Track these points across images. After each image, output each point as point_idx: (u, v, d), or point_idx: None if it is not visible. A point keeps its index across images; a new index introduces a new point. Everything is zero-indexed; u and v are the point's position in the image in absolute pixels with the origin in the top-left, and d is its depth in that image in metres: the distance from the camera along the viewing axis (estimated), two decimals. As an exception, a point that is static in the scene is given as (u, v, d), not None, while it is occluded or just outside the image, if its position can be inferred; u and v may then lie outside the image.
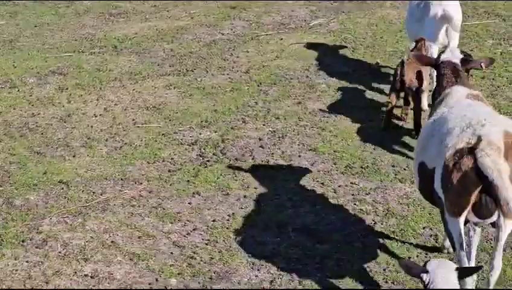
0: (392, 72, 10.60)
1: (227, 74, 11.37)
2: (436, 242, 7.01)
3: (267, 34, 13.25)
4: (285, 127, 9.51)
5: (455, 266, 5.07)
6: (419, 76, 9.08)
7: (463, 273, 5.11)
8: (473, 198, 5.54)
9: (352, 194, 7.91)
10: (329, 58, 11.91)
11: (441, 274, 4.91)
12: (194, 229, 7.42)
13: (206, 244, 7.18)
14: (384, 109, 9.62)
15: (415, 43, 9.71)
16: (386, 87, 10.25)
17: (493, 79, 10.52)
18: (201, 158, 8.83)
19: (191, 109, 10.13)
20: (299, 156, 8.78)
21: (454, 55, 6.69)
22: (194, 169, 8.57)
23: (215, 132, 9.45)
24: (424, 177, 6.12)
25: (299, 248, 7.05)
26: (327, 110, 9.91)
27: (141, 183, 8.32)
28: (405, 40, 12.06)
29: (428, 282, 4.89)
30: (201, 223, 7.52)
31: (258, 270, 6.76)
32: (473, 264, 6.06)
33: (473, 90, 6.50)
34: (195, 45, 12.76)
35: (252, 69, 11.53)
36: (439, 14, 9.55)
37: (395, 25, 13.25)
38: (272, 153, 8.86)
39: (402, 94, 9.44)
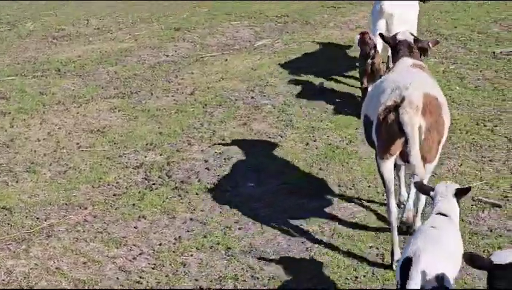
0: (336, 91, 10.74)
1: (172, 96, 11.34)
2: (383, 261, 7.01)
3: (211, 55, 13.27)
4: (231, 148, 9.48)
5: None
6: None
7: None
8: (398, 146, 6.66)
9: (300, 215, 7.88)
10: (275, 78, 11.93)
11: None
12: (140, 254, 7.34)
13: (153, 268, 7.10)
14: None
15: (359, 35, 10.69)
16: (330, 108, 10.37)
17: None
18: (146, 181, 8.77)
19: (136, 132, 10.08)
20: (246, 177, 8.74)
21: (407, 36, 7.76)
22: (139, 192, 8.50)
23: (161, 155, 9.40)
24: (366, 127, 7.21)
25: (246, 269, 7.01)
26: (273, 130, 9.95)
27: (86, 208, 8.23)
28: (347, 59, 12.16)
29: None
30: (148, 248, 7.44)
31: (205, 293, 6.74)
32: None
33: (418, 61, 7.56)
34: (139, 67, 12.73)
35: (197, 91, 11.51)
36: (378, 9, 10.75)
37: (338, 45, 13.34)
38: (218, 175, 8.82)
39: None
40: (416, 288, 5.11)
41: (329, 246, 7.31)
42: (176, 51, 13.56)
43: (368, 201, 8.11)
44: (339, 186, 8.46)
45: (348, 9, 15.61)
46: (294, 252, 7.24)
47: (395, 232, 6.87)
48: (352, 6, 15.81)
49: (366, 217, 7.79)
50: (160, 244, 7.48)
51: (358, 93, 10.95)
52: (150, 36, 14.40)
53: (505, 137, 9.42)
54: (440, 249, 5.37)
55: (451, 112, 9.47)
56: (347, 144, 9.49)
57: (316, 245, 7.33)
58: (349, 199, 8.16)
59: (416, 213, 7.26)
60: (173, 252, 7.34)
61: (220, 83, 11.83)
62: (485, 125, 9.78)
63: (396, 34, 7.93)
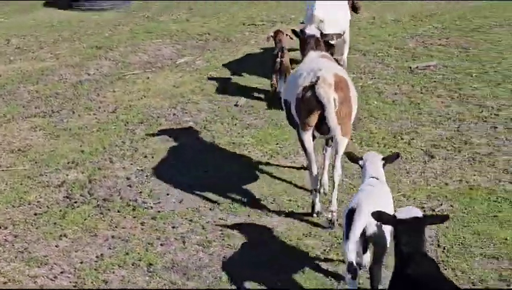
0: (257, 108, 10.83)
1: (94, 114, 11.27)
2: (303, 274, 7.07)
3: (133, 74, 13.23)
4: (153, 165, 9.47)
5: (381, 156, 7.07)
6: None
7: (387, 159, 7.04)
8: (315, 118, 7.77)
9: (220, 230, 7.91)
10: (196, 95, 11.97)
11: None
12: (61, 272, 7.23)
13: (74, 286, 7.02)
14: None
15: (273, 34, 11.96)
16: (250, 124, 10.44)
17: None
18: (68, 200, 8.68)
19: (58, 151, 9.98)
20: (168, 194, 8.74)
21: (315, 31, 8.94)
22: (60, 211, 8.40)
23: (82, 173, 9.32)
24: (287, 110, 8.35)
25: (168, 285, 6.99)
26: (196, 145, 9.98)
27: (6, 228, 8.09)
28: (268, 76, 12.27)
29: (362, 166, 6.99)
30: (69, 266, 7.35)
31: (127, 310, 6.71)
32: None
33: (324, 52, 8.81)
34: (61, 86, 12.61)
35: (119, 109, 11.47)
36: (310, 15, 11.32)
37: (259, 62, 13.43)
38: (140, 192, 8.79)
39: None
40: (360, 231, 6.07)
41: (252, 261, 7.34)
42: (97, 70, 13.48)
43: (289, 214, 8.17)
44: (260, 200, 8.51)
45: (268, 26, 15.73)
46: (216, 267, 7.25)
47: (317, 186, 8.20)
48: (272, 24, 15.96)
49: (287, 230, 7.85)
50: (81, 263, 7.40)
51: (279, 110, 11.08)
52: (71, 55, 14.27)
53: (421, 149, 9.63)
54: (377, 201, 6.28)
55: (370, 125, 9.71)
56: (268, 158, 9.57)
57: (237, 260, 7.36)
58: (269, 213, 8.21)
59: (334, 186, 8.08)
60: (95, 269, 7.27)
61: (142, 101, 11.81)
62: (402, 139, 9.97)
63: (305, 28, 9.03)
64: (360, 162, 6.99)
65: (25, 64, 13.86)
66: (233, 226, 7.98)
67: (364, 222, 6.09)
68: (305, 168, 8.85)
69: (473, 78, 12.24)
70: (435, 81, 12.17)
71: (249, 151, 9.77)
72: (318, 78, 7.70)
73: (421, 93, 11.67)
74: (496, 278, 6.87)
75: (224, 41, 15.23)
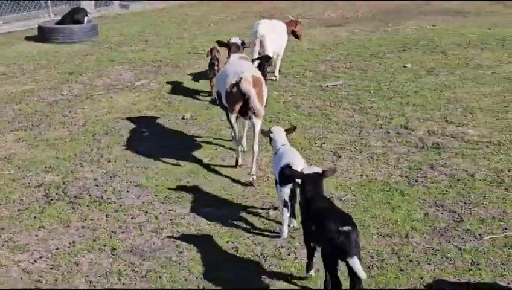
0: (200, 120, 10.80)
1: (67, 128, 11.12)
2: (237, 253, 7.08)
3: (99, 94, 13.09)
4: (116, 168, 9.38)
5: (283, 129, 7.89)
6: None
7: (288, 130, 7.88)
8: (238, 106, 8.83)
9: (171, 219, 7.88)
10: (150, 111, 11.91)
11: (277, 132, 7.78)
12: (40, 257, 7.11)
13: (51, 269, 6.90)
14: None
15: (208, 50, 12.64)
16: (195, 133, 10.41)
17: (277, 122, 10.83)
18: (46, 198, 8.53)
19: (37, 158, 9.82)
20: (127, 191, 8.66)
21: (238, 40, 10.11)
22: (40, 207, 8.26)
23: (57, 176, 9.18)
24: (219, 98, 9.24)
25: (128, 265, 6.93)
26: (151, 152, 9.92)
27: (-6, 222, 7.96)
28: (208, 94, 12.23)
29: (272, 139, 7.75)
30: (47, 252, 7.23)
31: (94, 286, 6.59)
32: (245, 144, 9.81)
33: (242, 55, 9.93)
34: (39, 105, 12.43)
35: (87, 123, 11.34)
36: (254, 30, 12.71)
37: (204, 83, 13.42)
38: (105, 190, 8.69)
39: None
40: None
41: (197, 244, 7.32)
42: (70, 91, 13.31)
43: (227, 207, 8.17)
44: (203, 195, 8.50)
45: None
46: (167, 250, 7.21)
47: (239, 148, 9.42)
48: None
49: (225, 217, 7.84)
50: (57, 249, 7.29)
51: (219, 121, 11.09)
52: (48, 79, 14.07)
53: (331, 151, 9.70)
54: (299, 156, 7.37)
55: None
56: (208, 160, 9.55)
57: (184, 243, 7.33)
58: (209, 206, 8.20)
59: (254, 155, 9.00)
60: (68, 254, 7.17)
61: (106, 116, 11.69)
62: (315, 143, 10.03)
63: (230, 39, 10.21)
64: (271, 135, 7.77)
65: (10, 87, 13.62)
66: (181, 216, 7.95)
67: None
68: (236, 165, 9.40)
69: (371, 94, 12.39)
70: (341, 97, 12.29)
71: (193, 155, 9.73)
72: (241, 78, 8.68)
73: (330, 106, 11.77)
74: (389, 252, 6.95)
75: (174, 66, 15.17)
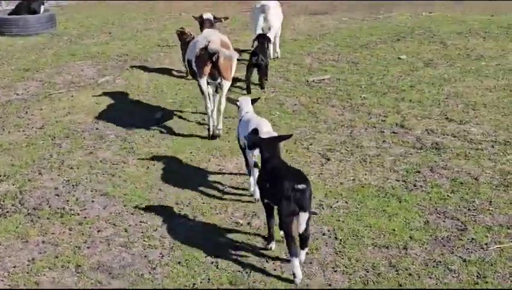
0: (172, 121, 10.78)
1: (23, 131, 11.08)
2: (217, 268, 7.07)
3: (59, 92, 13.05)
4: (79, 175, 9.34)
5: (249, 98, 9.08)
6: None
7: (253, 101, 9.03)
8: (208, 69, 10.17)
9: (142, 232, 7.85)
10: (117, 111, 11.87)
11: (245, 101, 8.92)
12: (-6, 278, 7.11)
13: (8, 289, 6.89)
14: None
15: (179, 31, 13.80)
16: (167, 136, 10.40)
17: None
18: (0, 210, 8.48)
19: (-10, 165, 9.78)
20: (93, 201, 8.62)
21: (210, 16, 11.38)
22: (-7, 221, 8.24)
23: (13, 185, 9.12)
24: (189, 65, 10.63)
25: (95, 284, 6.89)
26: (118, 156, 9.89)
27: None
28: (184, 91, 12.22)
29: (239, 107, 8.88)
30: (3, 270, 7.17)
31: (58, 308, 6.58)
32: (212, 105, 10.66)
33: (215, 30, 11.07)
34: (-9, 106, 12.37)
35: (46, 125, 11.30)
36: (258, 6, 14.27)
37: (176, 79, 13.41)
38: (67, 200, 8.65)
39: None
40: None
41: (169, 258, 7.32)
42: (25, 90, 13.27)
43: (203, 215, 8.16)
44: (177, 203, 8.47)
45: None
46: (138, 266, 7.18)
47: (210, 112, 10.53)
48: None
49: (202, 229, 7.84)
50: (14, 267, 7.23)
51: (192, 122, 11.08)
52: (0, 77, 14.00)
53: (319, 153, 9.73)
54: (265, 122, 8.26)
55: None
56: (183, 166, 9.54)
57: (158, 258, 7.31)
58: (185, 216, 8.19)
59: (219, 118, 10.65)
60: (27, 273, 7.11)
61: (67, 117, 11.66)
62: (301, 144, 10.06)
63: (202, 14, 11.44)
64: (238, 103, 8.92)
65: (-43, 86, 13.54)
66: (153, 228, 7.93)
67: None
68: (208, 137, 10.62)
69: (362, 89, 12.46)
70: (329, 93, 12.35)
71: (165, 161, 9.71)
72: (209, 41, 10.14)
73: (317, 103, 11.82)
74: (386, 264, 6.97)
75: (142, 61, 15.16)
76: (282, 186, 6.57)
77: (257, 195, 8.25)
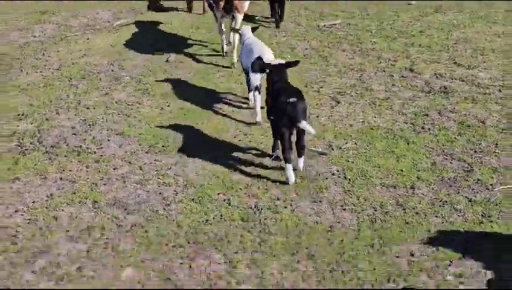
0: (184, 62, 10.74)
1: (41, 72, 11.06)
2: (229, 205, 7.11)
3: (75, 35, 12.97)
4: (95, 115, 9.35)
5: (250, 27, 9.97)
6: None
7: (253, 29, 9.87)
8: (223, 2, 10.79)
9: (156, 170, 7.89)
10: (132, 53, 11.81)
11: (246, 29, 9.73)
12: (15, 211, 7.15)
13: (28, 223, 6.94)
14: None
15: None
16: (179, 77, 10.38)
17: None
18: (19, 148, 8.53)
19: (8, 105, 9.77)
20: (108, 140, 8.65)
21: None
22: (13, 158, 8.27)
23: (32, 124, 9.16)
24: (209, 4, 11.45)
25: (112, 219, 6.97)
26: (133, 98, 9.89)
27: (-36, 174, 7.96)
28: (197, 34, 12.11)
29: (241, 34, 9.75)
30: (23, 205, 7.27)
31: (76, 242, 6.62)
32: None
33: None
34: (9, 48, 12.30)
35: (63, 66, 11.27)
36: None
37: (189, 23, 13.29)
38: (84, 139, 8.68)
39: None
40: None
41: (183, 195, 7.36)
42: (42, 32, 13.19)
43: (216, 155, 8.18)
44: (191, 144, 8.49)
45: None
46: (153, 202, 7.24)
47: (222, 33, 11.49)
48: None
49: (214, 168, 7.86)
50: (34, 202, 7.32)
51: (204, 63, 11.02)
52: (18, 19, 13.92)
53: (329, 96, 9.69)
54: (267, 48, 9.14)
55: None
56: (196, 107, 9.52)
57: (172, 195, 7.36)
58: (199, 154, 8.21)
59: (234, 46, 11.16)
60: (46, 208, 7.20)
61: (83, 59, 11.61)
62: (312, 87, 10.02)
63: None
64: (240, 31, 9.87)
65: (-24, 28, 13.49)
66: (167, 166, 7.97)
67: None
68: (222, 53, 11.56)
69: (372, 34, 12.34)
70: (339, 37, 12.23)
71: (179, 100, 9.70)
72: None
73: (328, 47, 11.73)
74: (393, 203, 7.01)
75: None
76: (278, 100, 7.45)
77: (258, 118, 8.96)
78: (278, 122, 7.51)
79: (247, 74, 9.19)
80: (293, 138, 7.47)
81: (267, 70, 8.18)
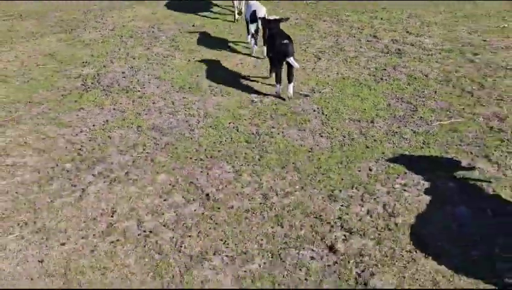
0: (207, 26, 10.55)
1: (99, 31, 10.90)
2: (237, 131, 7.09)
3: (125, 5, 12.74)
4: (139, 64, 9.26)
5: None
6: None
7: None
8: None
9: (184, 104, 7.85)
10: (167, 19, 11.61)
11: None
12: (80, 131, 7.16)
13: (90, 140, 6.95)
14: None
15: None
16: (206, 39, 10.22)
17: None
18: (83, 86, 8.48)
19: (76, 55, 9.68)
20: (149, 82, 8.58)
21: None
22: (79, 93, 8.23)
23: (92, 69, 9.07)
24: None
25: (151, 139, 6.96)
26: (169, 52, 9.76)
27: (43, 104, 7.91)
28: (217, 7, 11.89)
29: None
30: (86, 127, 7.27)
31: (124, 154, 6.63)
32: None
33: None
34: (76, 13, 12.13)
35: (116, 28, 11.10)
36: None
37: (209, -2, 13.07)
38: (131, 81, 8.61)
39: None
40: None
41: (203, 123, 7.33)
42: (100, 3, 12.97)
43: (228, 95, 8.11)
44: (209, 86, 8.42)
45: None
46: (181, 128, 7.21)
47: (236, 5, 11.21)
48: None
49: (226, 104, 7.81)
50: (94, 125, 7.31)
51: (223, 28, 10.84)
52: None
53: (313, 54, 9.55)
54: (262, 7, 9.17)
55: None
56: (215, 59, 9.40)
57: (195, 123, 7.33)
58: (215, 94, 8.15)
59: None
60: (102, 130, 7.20)
61: (131, 23, 11.43)
62: (300, 47, 9.84)
63: None
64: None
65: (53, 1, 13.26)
66: (192, 102, 7.91)
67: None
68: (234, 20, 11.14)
69: (346, 10, 12.11)
70: (322, 11, 12.00)
71: (202, 55, 9.58)
72: None
73: (313, 19, 11.51)
74: (358, 133, 6.97)
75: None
76: (274, 42, 7.83)
77: (254, 50, 9.45)
78: (274, 58, 7.94)
79: (247, 23, 9.45)
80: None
81: (266, 23, 8.42)
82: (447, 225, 5.20)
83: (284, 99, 7.78)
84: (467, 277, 4.58)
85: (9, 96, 8.21)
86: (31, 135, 7.08)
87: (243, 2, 11.09)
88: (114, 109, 7.77)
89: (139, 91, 8.31)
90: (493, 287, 4.48)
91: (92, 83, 8.59)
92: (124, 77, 8.80)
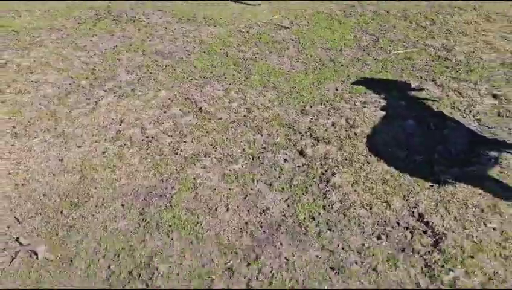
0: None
1: None
2: (227, 56, 6.91)
3: None
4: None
5: None
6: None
7: None
8: None
9: (183, 33, 7.52)
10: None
11: None
12: (94, 54, 6.89)
13: (102, 62, 6.70)
14: None
15: None
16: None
17: None
18: (96, 16, 8.15)
19: (90, -11, 9.26)
20: (153, 14, 8.24)
21: None
22: (92, 22, 7.91)
23: (104, 1, 8.70)
24: None
25: (154, 62, 6.72)
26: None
27: (62, 31, 7.61)
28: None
29: None
30: (98, 51, 7.00)
31: (131, 74, 6.42)
32: None
33: None
34: None
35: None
36: None
37: None
38: (137, 12, 8.26)
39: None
40: None
41: (199, 48, 7.10)
42: None
43: (221, 26, 7.85)
44: (204, 18, 8.12)
45: None
46: (179, 53, 6.98)
47: None
48: None
49: (218, 33, 7.56)
50: (105, 49, 7.05)
51: None
52: None
53: (293, -8, 9.21)
54: None
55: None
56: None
57: (191, 48, 7.09)
58: (209, 25, 7.86)
59: None
60: (113, 53, 6.96)
61: None
62: None
63: None
64: None
65: None
66: (190, 31, 7.63)
67: None
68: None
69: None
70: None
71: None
72: None
73: None
74: (328, 59, 6.78)
75: None
76: None
77: None
78: None
79: None
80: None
81: None
82: (396, 135, 5.19)
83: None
84: (410, 176, 4.61)
85: (32, 23, 7.89)
86: (51, 56, 6.86)
87: None
88: (123, 36, 7.51)
89: (144, 21, 8.02)
90: (431, 183, 4.52)
91: (104, 14, 8.26)
92: (132, 9, 8.45)
